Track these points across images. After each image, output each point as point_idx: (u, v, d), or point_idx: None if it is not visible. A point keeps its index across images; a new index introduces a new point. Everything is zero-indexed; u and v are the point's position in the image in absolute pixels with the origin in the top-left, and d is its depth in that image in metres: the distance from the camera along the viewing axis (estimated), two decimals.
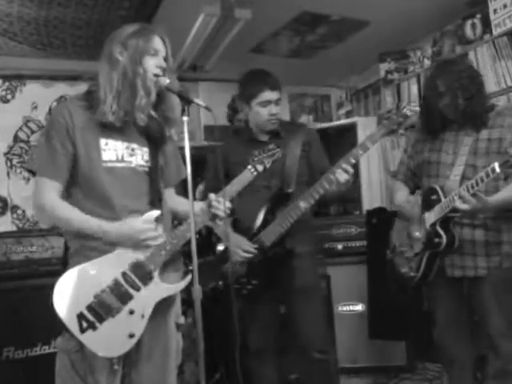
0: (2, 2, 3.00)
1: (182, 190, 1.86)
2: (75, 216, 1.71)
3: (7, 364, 2.67)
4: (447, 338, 2.45)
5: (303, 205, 2.39)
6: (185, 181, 1.69)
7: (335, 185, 2.33)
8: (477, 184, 2.05)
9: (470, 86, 2.32)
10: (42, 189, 1.73)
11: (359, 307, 3.53)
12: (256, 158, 2.08)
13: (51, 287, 1.63)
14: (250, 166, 2.06)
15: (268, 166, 2.08)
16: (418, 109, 2.34)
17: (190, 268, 1.64)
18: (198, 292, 1.62)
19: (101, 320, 1.65)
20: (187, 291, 1.77)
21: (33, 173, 1.80)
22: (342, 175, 2.27)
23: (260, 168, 2.06)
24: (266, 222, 2.44)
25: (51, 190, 1.72)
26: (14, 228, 3.80)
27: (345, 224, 3.69)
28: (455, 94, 2.30)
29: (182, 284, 1.79)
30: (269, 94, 2.49)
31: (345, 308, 3.55)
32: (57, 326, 1.64)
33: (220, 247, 2.53)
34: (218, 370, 3.05)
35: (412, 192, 2.61)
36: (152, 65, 1.76)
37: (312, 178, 2.49)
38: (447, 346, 2.46)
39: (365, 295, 3.47)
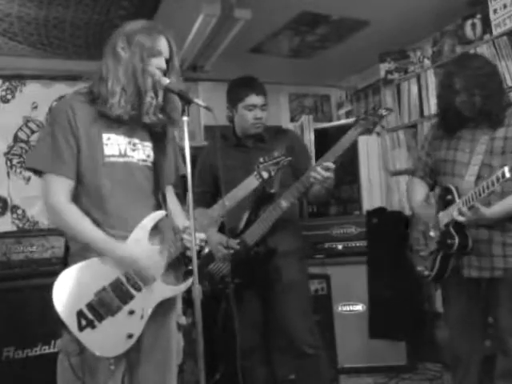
0: (2, 2, 3.00)
1: (183, 190, 1.85)
2: (82, 228, 1.67)
3: (7, 364, 2.67)
4: (457, 338, 2.42)
5: (284, 204, 2.41)
6: (185, 181, 1.69)
7: (317, 183, 2.35)
8: (487, 188, 2.03)
9: (488, 83, 2.28)
10: (50, 187, 1.69)
11: (359, 307, 3.53)
12: (261, 165, 2.10)
13: (51, 287, 1.62)
14: (255, 173, 2.08)
15: (273, 173, 2.10)
16: (392, 108, 2.35)
17: (190, 267, 1.64)
18: (197, 291, 1.62)
19: (100, 319, 1.64)
20: (187, 290, 1.77)
21: (35, 172, 1.74)
22: (321, 173, 2.27)
23: (265, 175, 2.08)
24: (249, 223, 2.47)
25: (60, 190, 1.68)
26: (14, 228, 3.81)
27: (345, 224, 3.69)
28: (472, 92, 2.26)
29: (183, 286, 1.78)
30: (254, 99, 2.56)
31: (345, 308, 3.55)
32: (56, 325, 1.63)
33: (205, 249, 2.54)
34: (217, 369, 3.05)
35: (431, 188, 2.57)
36: (153, 65, 1.75)
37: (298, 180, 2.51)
38: (456, 346, 2.44)
39: (365, 295, 3.48)
